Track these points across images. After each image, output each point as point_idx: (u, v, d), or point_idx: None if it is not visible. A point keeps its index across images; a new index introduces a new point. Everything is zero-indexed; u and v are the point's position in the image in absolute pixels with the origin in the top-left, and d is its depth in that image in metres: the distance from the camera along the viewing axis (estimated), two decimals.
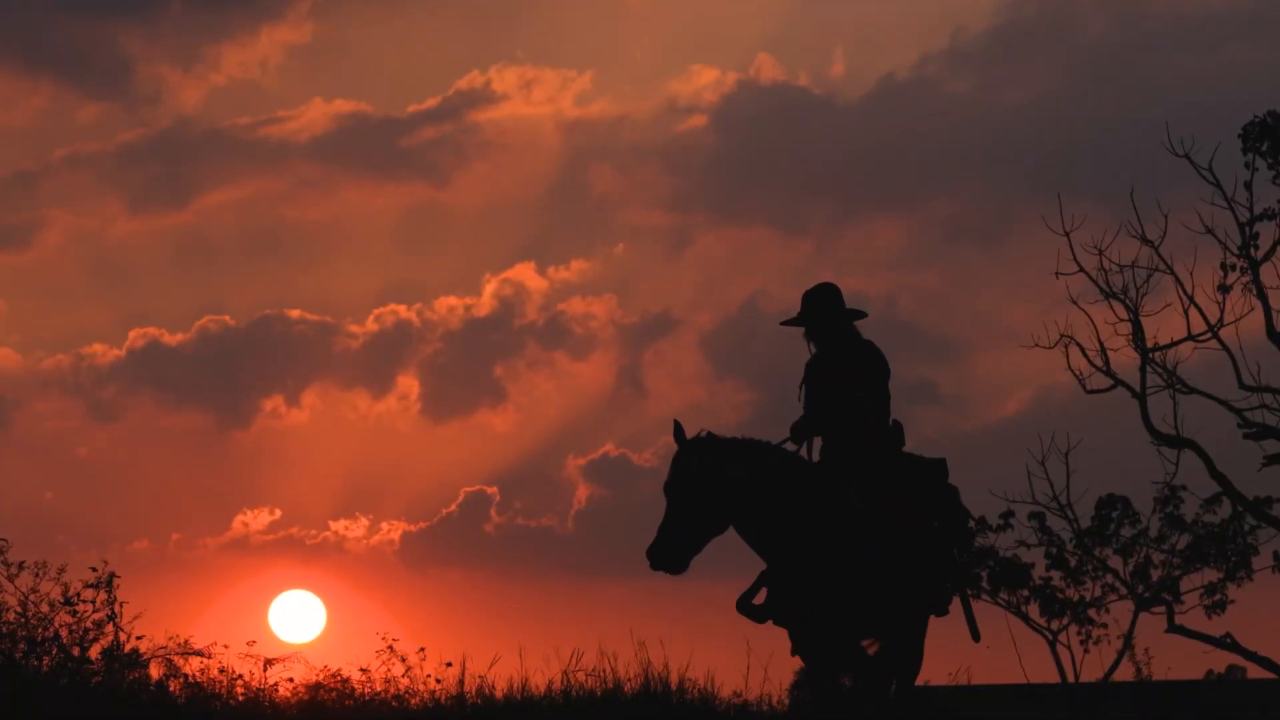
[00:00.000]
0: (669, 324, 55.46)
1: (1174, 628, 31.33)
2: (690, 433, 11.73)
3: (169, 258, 57.72)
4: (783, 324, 12.26)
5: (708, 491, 11.64)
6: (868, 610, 11.86)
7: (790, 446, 11.98)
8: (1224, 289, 23.87)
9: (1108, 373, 24.26)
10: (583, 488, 50.56)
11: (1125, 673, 42.14)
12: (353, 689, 15.74)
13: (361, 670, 15.88)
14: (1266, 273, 24.09)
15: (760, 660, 14.86)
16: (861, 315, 12.19)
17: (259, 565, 47.71)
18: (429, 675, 15.66)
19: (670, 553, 11.63)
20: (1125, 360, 24.32)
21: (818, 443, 12.12)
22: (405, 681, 15.74)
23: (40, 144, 60.71)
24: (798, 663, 11.98)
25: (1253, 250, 24.02)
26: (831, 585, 11.66)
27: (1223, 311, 23.80)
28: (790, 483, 11.77)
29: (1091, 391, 24.28)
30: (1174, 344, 24.16)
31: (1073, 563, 43.22)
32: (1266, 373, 24.06)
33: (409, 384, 54.12)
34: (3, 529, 16.09)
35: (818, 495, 11.76)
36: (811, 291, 12.21)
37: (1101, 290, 23.71)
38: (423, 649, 15.83)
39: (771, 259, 57.46)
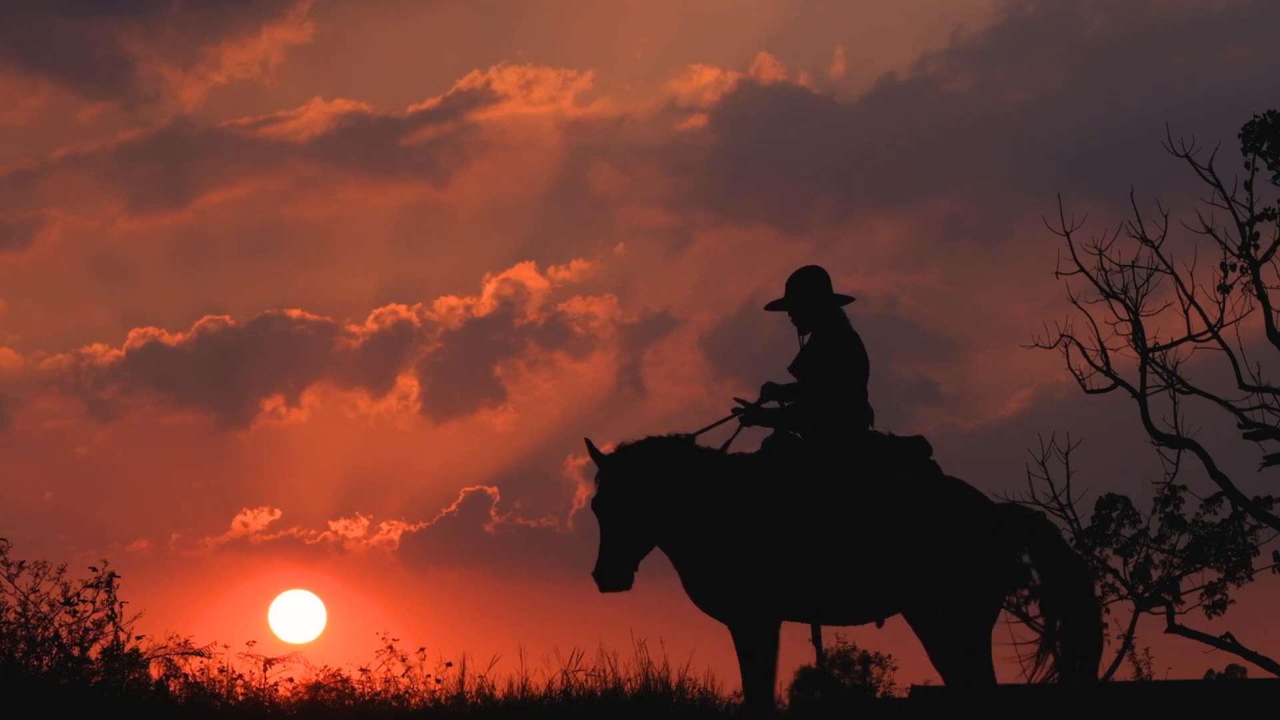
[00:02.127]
0: (669, 324, 55.50)
1: (1174, 628, 31.32)
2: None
3: (169, 258, 57.78)
4: (766, 308, 12.19)
5: (638, 498, 11.59)
6: (828, 598, 11.73)
7: (714, 446, 11.84)
8: (1224, 289, 23.87)
9: (1108, 373, 24.27)
10: (583, 488, 50.45)
11: (1125, 673, 42.10)
12: (353, 689, 15.71)
13: (361, 670, 15.85)
14: (1266, 273, 24.10)
15: None
16: (847, 300, 12.01)
17: (259, 565, 47.70)
18: (429, 675, 15.63)
19: (618, 569, 11.55)
20: (1125, 360, 24.34)
21: (766, 428, 12.02)
22: (405, 681, 15.72)
23: (40, 144, 60.84)
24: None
25: (1253, 250, 24.00)
26: (781, 571, 11.55)
27: (1223, 311, 23.81)
28: (715, 471, 11.69)
29: (1091, 391, 24.30)
30: (1174, 344, 24.19)
31: None
32: (1266, 373, 24.07)
33: (409, 384, 54.18)
34: (3, 529, 16.09)
35: (762, 482, 11.67)
36: (794, 275, 12.05)
37: (1101, 290, 23.73)
38: (423, 649, 15.81)
39: (771, 259, 57.49)
